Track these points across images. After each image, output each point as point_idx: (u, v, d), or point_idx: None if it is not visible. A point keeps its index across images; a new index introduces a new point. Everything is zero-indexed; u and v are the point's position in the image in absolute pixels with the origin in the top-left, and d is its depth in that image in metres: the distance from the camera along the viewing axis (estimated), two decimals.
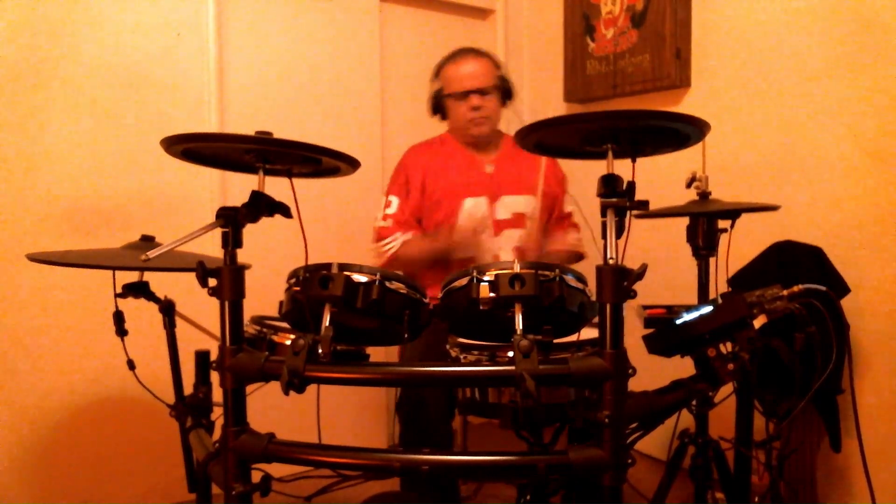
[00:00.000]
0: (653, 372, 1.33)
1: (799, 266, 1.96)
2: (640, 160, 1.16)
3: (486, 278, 1.13)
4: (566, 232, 2.19)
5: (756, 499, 1.79)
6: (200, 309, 1.60)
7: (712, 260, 1.67)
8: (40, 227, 2.10)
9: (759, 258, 2.04)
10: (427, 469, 1.11)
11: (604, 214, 1.07)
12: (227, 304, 1.15)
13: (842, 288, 1.91)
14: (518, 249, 2.06)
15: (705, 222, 1.64)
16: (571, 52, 2.91)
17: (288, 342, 1.31)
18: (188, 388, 1.63)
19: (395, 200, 2.07)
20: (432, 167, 2.09)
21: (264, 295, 1.48)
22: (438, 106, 2.14)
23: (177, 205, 2.33)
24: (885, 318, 1.96)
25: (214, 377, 1.34)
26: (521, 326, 1.07)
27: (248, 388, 1.18)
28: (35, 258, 1.50)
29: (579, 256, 2.15)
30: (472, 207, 2.04)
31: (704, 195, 1.63)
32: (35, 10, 2.08)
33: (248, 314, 1.24)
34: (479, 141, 2.12)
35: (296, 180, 1.30)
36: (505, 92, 2.12)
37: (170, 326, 1.65)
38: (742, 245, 1.76)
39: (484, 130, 2.09)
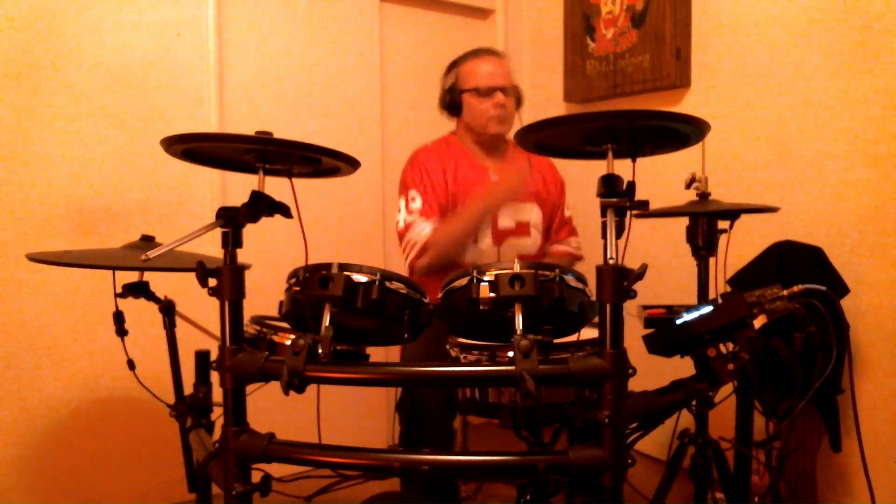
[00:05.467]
0: (653, 372, 1.33)
1: (799, 266, 1.96)
2: (640, 160, 1.16)
3: (485, 278, 1.13)
4: (567, 237, 2.18)
5: (756, 499, 1.79)
6: (200, 309, 1.61)
7: (712, 260, 1.67)
8: (40, 227, 2.10)
9: (759, 258, 2.04)
10: (427, 469, 1.11)
11: (604, 214, 1.07)
12: (227, 304, 1.15)
13: (842, 288, 1.91)
14: (522, 258, 2.05)
15: (705, 222, 1.64)
16: (571, 52, 2.91)
17: (288, 342, 1.31)
18: (188, 388, 1.64)
19: (418, 196, 1.95)
20: (448, 169, 2.01)
21: (264, 295, 1.48)
22: (452, 102, 2.05)
23: (177, 205, 2.33)
24: (885, 318, 1.96)
25: (214, 377, 1.34)
26: (521, 326, 1.07)
27: (248, 388, 1.18)
28: (35, 258, 1.50)
29: (577, 260, 2.15)
30: None
31: (704, 195, 1.63)
32: (35, 10, 2.08)
33: (248, 314, 1.24)
34: (492, 142, 2.06)
35: (296, 180, 1.30)
36: (518, 97, 2.07)
37: (170, 326, 1.65)
38: (742, 245, 1.76)
39: (504, 129, 2.03)
